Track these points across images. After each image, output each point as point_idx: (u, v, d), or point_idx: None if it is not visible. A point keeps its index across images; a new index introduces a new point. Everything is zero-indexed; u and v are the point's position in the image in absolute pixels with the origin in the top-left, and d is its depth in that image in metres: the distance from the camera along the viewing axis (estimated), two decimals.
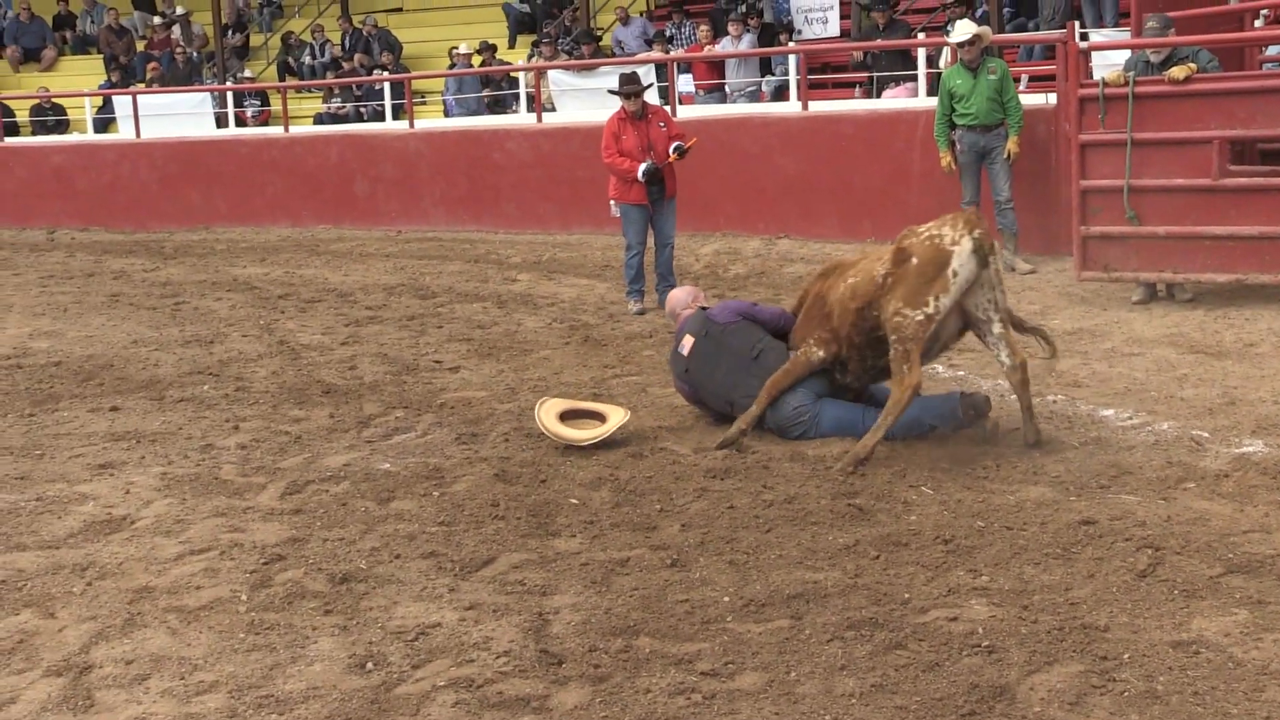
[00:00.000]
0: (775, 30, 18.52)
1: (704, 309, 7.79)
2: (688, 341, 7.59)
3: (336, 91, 21.11)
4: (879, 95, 16.30)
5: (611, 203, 11.62)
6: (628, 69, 16.96)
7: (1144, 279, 10.38)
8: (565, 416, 7.44)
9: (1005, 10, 17.10)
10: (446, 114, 19.43)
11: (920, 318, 6.82)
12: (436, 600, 5.25)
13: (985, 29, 12.48)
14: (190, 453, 7.52)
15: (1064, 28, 15.83)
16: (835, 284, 7.32)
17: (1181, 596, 4.96)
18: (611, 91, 11.72)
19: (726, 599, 5.12)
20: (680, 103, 15.79)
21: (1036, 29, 16.52)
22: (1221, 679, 4.33)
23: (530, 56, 19.96)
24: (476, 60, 19.59)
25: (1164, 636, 4.63)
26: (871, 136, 13.87)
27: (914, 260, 6.89)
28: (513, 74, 18.54)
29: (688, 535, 5.87)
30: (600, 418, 7.49)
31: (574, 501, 6.41)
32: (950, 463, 6.74)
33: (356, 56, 21.76)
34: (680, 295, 8.17)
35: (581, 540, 5.88)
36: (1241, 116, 9.90)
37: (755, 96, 17.43)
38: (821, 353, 7.27)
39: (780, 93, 17.19)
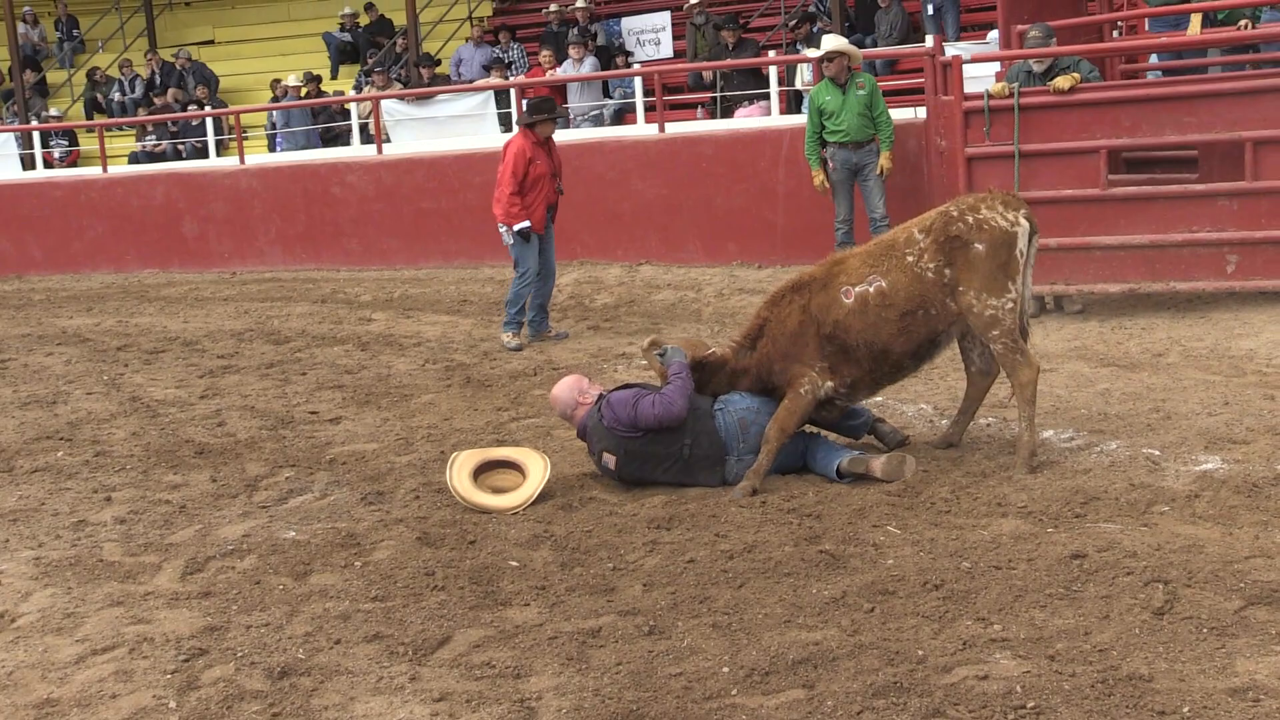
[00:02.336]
0: (610, 53, 18.17)
1: (599, 408, 6.87)
2: (609, 459, 6.87)
3: (151, 129, 20.02)
4: (723, 116, 16.02)
5: (505, 229, 10.93)
6: (470, 97, 16.56)
7: (1036, 292, 10.21)
8: (480, 471, 6.86)
9: (845, 26, 16.99)
10: (271, 149, 18.57)
11: (1010, 305, 6.52)
12: (399, 692, 4.62)
13: (853, 46, 12.25)
14: (61, 531, 6.70)
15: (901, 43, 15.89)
16: (828, 300, 6.74)
17: (1212, 635, 4.62)
18: (529, 121, 10.97)
19: (726, 670, 4.62)
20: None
21: (875, 45, 16.42)
22: None
23: (358, 86, 19.24)
24: (303, 92, 18.77)
25: (1215, 684, 4.27)
26: (733, 157, 13.55)
27: (978, 246, 6.49)
28: (345, 105, 17.76)
29: (655, 596, 5.34)
30: (517, 467, 6.92)
31: (514, 564, 5.83)
32: (903, 495, 6.36)
33: (170, 91, 20.73)
34: (565, 395, 7.08)
35: (538, 609, 5.31)
36: (1127, 125, 9.83)
37: (599, 121, 17.01)
38: (832, 383, 6.78)
39: (621, 116, 16.81)
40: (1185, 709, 4.11)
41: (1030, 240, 6.56)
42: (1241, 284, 9.73)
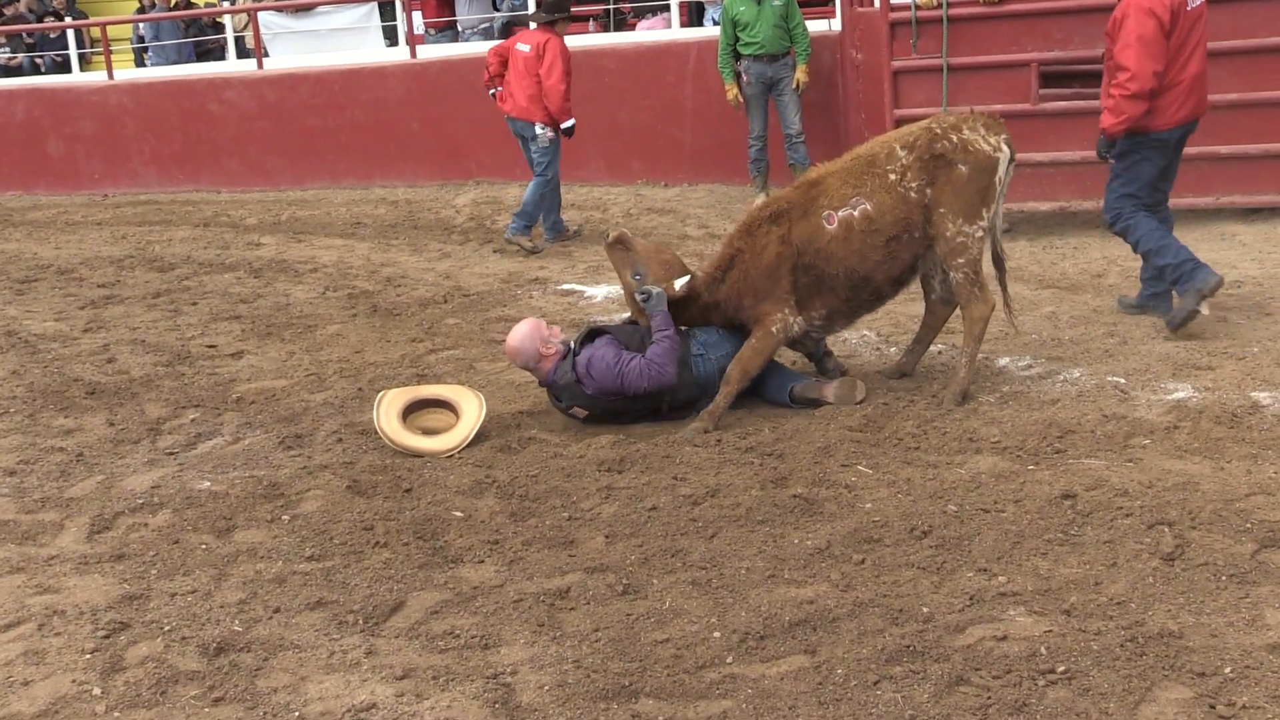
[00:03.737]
0: None
1: (573, 368, 6.30)
2: (580, 413, 6.38)
3: (3, 40, 18.80)
4: (617, 29, 15.42)
5: (544, 129, 10.87)
6: (353, 9, 15.75)
7: None
8: (409, 410, 6.34)
9: None
10: (139, 63, 17.54)
11: (979, 234, 6.22)
12: (355, 669, 4.13)
13: None
14: None
15: None
16: (810, 229, 6.26)
17: (1233, 584, 4.32)
18: (550, 19, 10.84)
19: (717, 635, 4.20)
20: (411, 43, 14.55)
21: None
22: None
23: None
24: (172, 3, 17.73)
25: (1251, 640, 3.96)
26: (638, 71, 12.99)
27: (962, 168, 6.12)
28: (219, 18, 16.81)
29: (621, 550, 4.90)
30: (448, 406, 6.42)
31: (459, 514, 5.34)
32: (866, 429, 5.98)
33: (24, 1, 19.48)
34: (526, 346, 6.39)
35: (495, 567, 4.84)
36: (1059, 38, 9.50)
37: (489, 34, 16.28)
38: (802, 321, 6.35)
39: (509, 30, 16.10)
40: (1227, 669, 3.80)
41: (1009, 167, 6.22)
42: (1174, 201, 9.46)
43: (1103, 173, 9.42)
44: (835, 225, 6.23)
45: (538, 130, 10.86)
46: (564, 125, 10.83)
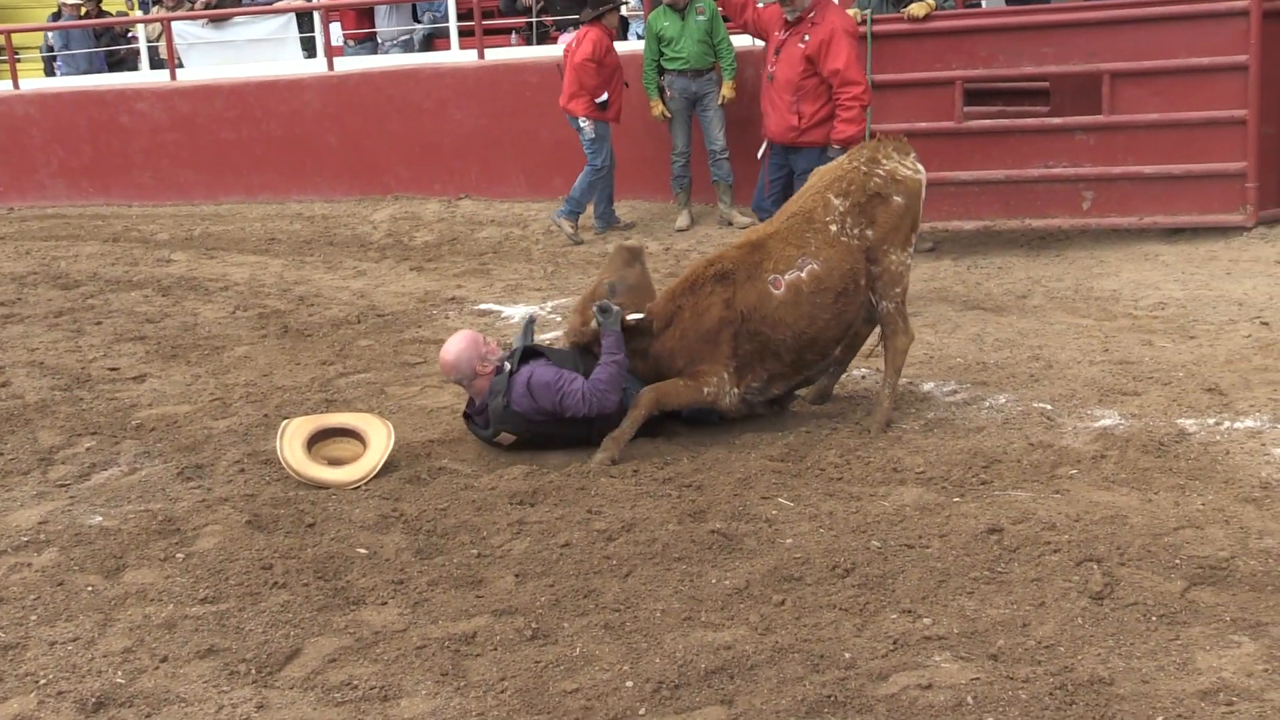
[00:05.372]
0: None
1: (509, 390, 6.00)
2: (506, 438, 6.11)
3: None
4: (539, 42, 15.21)
5: (586, 121, 11.36)
6: (270, 19, 15.43)
7: None
8: (314, 440, 6.08)
9: None
10: (49, 73, 17.09)
11: (909, 261, 6.17)
12: None
13: None
14: None
15: None
16: (756, 295, 6.03)
17: (1163, 625, 4.17)
18: (596, 15, 11.27)
19: (630, 684, 3.98)
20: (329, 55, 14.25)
21: None
22: None
23: (145, 6, 17.81)
24: (83, 11, 17.28)
25: (1182, 685, 3.81)
26: (559, 86, 12.72)
27: (897, 199, 6.06)
28: (132, 27, 16.40)
29: (531, 590, 4.68)
30: (355, 435, 6.16)
31: (363, 551, 5.09)
32: (788, 459, 5.81)
33: None
34: (464, 361, 6.07)
35: (398, 609, 4.60)
36: (983, 56, 9.41)
37: (409, 46, 16.02)
38: (738, 392, 6.12)
39: (430, 42, 15.86)
40: (1159, 719, 3.64)
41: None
42: (1097, 221, 9.44)
43: (1026, 191, 9.39)
44: (783, 290, 6.04)
45: (581, 124, 11.32)
46: (598, 100, 11.24)
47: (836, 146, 8.31)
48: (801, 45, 8.35)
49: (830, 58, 8.14)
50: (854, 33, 8.27)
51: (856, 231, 6.04)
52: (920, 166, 6.23)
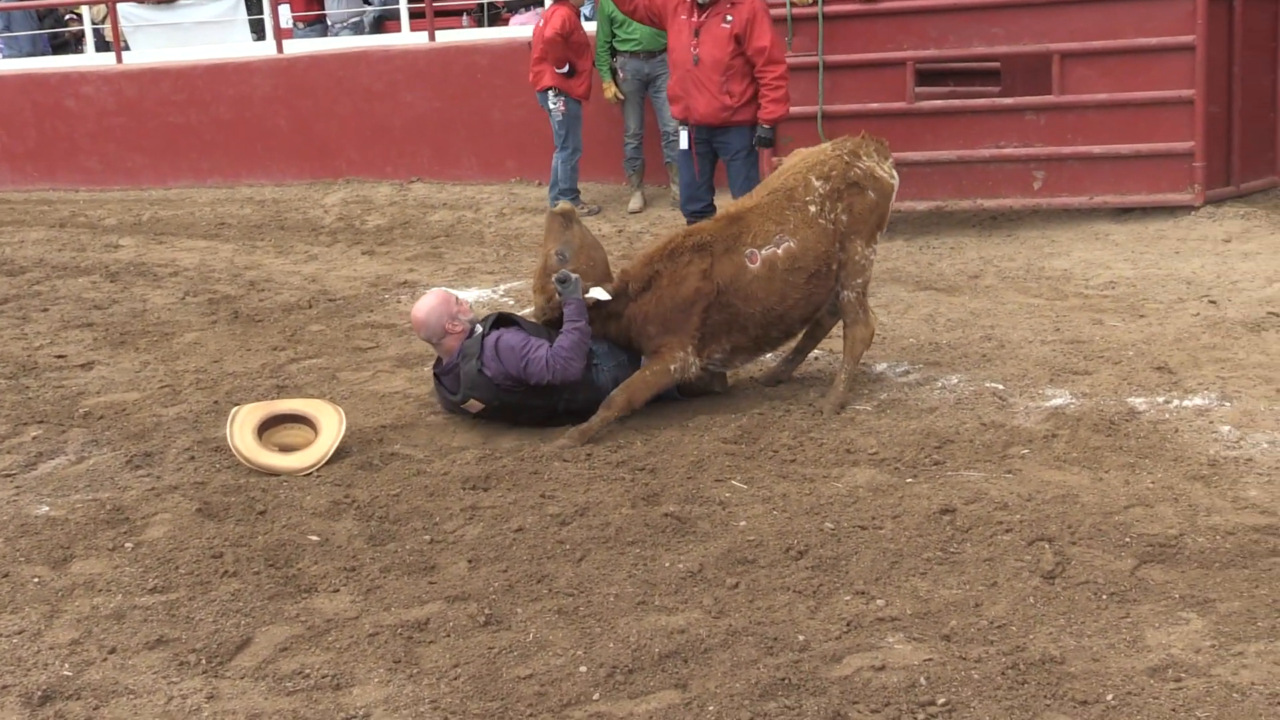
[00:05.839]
0: None
1: (480, 354, 6.02)
2: (475, 405, 6.10)
3: None
4: (491, 24, 15.14)
5: (554, 95, 11.16)
6: (218, 1, 15.27)
7: None
8: (264, 426, 6.03)
9: None
10: None
11: (873, 257, 6.28)
12: (195, 715, 3.85)
13: None
14: None
15: None
16: (733, 268, 6.07)
17: (1113, 603, 4.20)
18: None
19: (584, 669, 3.98)
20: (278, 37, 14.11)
21: None
22: (1233, 716, 3.56)
23: None
24: None
25: (1131, 663, 3.84)
26: (512, 68, 12.65)
27: (871, 194, 6.14)
28: (77, 8, 16.19)
29: (484, 575, 4.66)
30: (306, 421, 6.12)
31: (314, 538, 5.06)
32: (740, 442, 5.81)
33: None
34: (434, 319, 6.12)
35: (351, 596, 4.58)
36: (934, 36, 9.43)
37: (360, 29, 15.90)
38: (700, 362, 6.16)
39: (380, 24, 15.75)
40: (1109, 696, 3.67)
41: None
42: (1048, 200, 9.48)
43: (978, 172, 9.42)
44: (758, 264, 6.08)
45: (550, 104, 11.15)
46: (560, 69, 11.08)
47: (766, 126, 8.31)
48: (726, 25, 8.26)
49: (756, 35, 8.12)
50: (769, 13, 8.30)
51: (833, 216, 6.10)
52: (895, 173, 6.38)
